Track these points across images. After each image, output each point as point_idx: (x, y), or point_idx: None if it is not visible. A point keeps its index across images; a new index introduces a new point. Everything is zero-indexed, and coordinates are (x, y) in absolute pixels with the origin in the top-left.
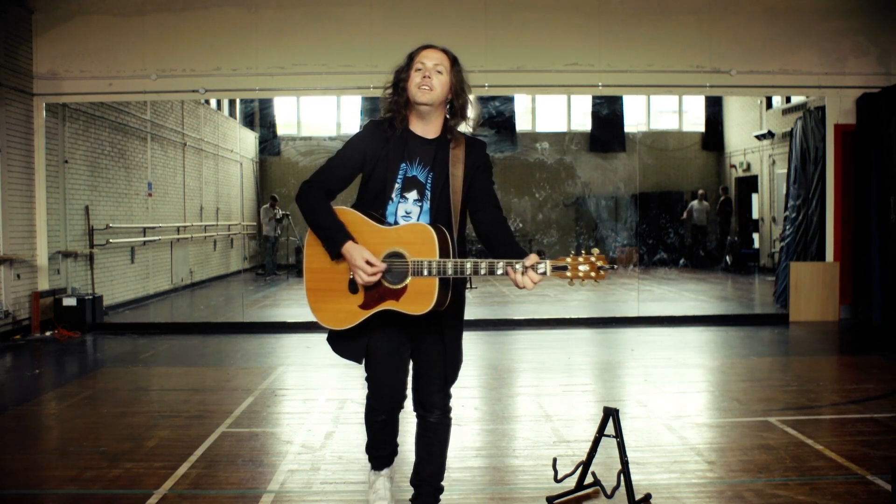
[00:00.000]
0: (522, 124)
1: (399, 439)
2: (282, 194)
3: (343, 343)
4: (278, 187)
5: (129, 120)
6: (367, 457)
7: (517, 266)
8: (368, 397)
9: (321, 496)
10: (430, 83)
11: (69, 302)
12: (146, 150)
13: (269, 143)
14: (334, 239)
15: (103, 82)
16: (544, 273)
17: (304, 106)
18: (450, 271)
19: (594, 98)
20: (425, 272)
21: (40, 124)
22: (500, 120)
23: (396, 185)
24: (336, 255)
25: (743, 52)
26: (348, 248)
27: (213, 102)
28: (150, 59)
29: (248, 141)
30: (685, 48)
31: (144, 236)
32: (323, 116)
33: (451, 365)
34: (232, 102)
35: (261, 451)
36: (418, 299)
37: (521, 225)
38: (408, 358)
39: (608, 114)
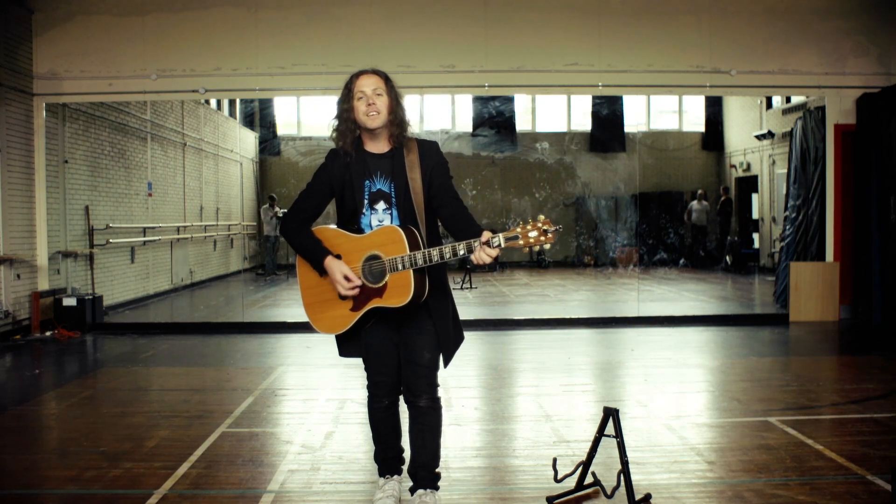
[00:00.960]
0: (522, 124)
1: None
2: (282, 194)
3: (346, 344)
4: (278, 187)
5: (129, 120)
6: (374, 465)
7: (474, 244)
8: (368, 387)
9: (321, 496)
10: (375, 108)
11: (69, 302)
12: (146, 150)
13: (269, 143)
14: (316, 258)
15: (103, 82)
16: (499, 245)
17: (304, 106)
18: (420, 261)
19: (594, 98)
20: (400, 267)
21: (40, 124)
22: (500, 120)
23: (365, 201)
24: (321, 271)
25: (743, 52)
26: (328, 263)
27: (213, 102)
28: (150, 59)
29: (248, 141)
30: (685, 48)
31: (144, 236)
32: (323, 116)
33: (447, 342)
34: (232, 102)
35: (261, 451)
36: (399, 292)
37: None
38: (395, 345)
39: (608, 114)
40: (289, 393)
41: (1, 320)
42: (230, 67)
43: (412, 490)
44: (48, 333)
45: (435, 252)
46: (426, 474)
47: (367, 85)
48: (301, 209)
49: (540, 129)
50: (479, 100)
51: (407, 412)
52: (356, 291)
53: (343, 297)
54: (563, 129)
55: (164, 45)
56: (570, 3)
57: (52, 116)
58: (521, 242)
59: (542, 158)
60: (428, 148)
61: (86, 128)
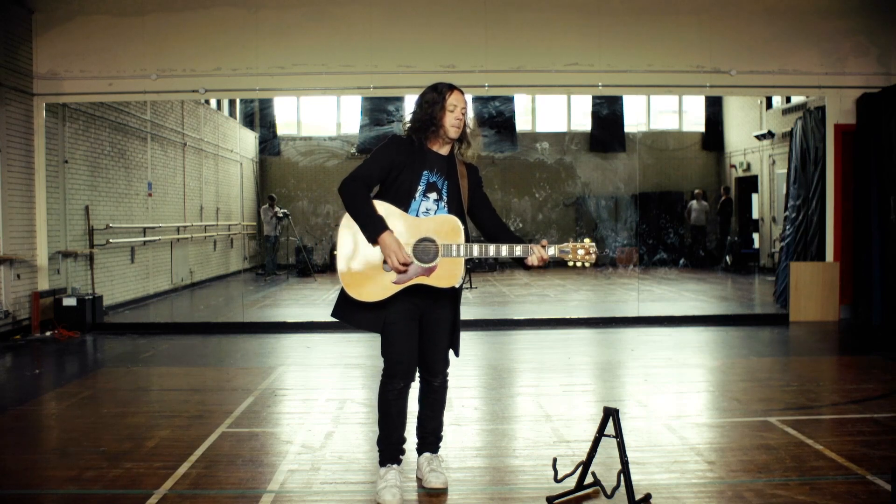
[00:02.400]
0: (522, 124)
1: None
2: (281, 194)
3: (361, 314)
4: (278, 187)
5: (129, 120)
6: (374, 466)
7: (532, 248)
8: (385, 369)
9: (321, 496)
10: (460, 124)
11: (69, 302)
12: (146, 150)
13: (269, 143)
14: (374, 227)
15: (103, 82)
16: (554, 254)
17: (304, 106)
18: (475, 252)
19: (594, 98)
20: (454, 253)
21: (40, 124)
22: (500, 120)
23: (420, 188)
24: (373, 241)
25: (743, 52)
26: (385, 237)
27: (213, 102)
28: (150, 59)
29: (248, 141)
30: (685, 48)
31: (144, 236)
32: (323, 116)
33: (457, 335)
34: (232, 102)
35: (261, 451)
36: (448, 275)
37: (521, 225)
38: (417, 329)
39: (608, 114)
40: (289, 393)
41: (1, 320)
42: (230, 67)
43: (419, 451)
44: (48, 333)
45: (492, 247)
46: (434, 440)
47: (460, 102)
48: (365, 175)
49: (540, 129)
50: (479, 100)
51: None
52: (405, 269)
53: (388, 270)
54: (563, 129)
55: (164, 45)
56: (570, 3)
57: (52, 116)
58: (569, 256)
59: (542, 158)
60: (473, 169)
61: (86, 128)
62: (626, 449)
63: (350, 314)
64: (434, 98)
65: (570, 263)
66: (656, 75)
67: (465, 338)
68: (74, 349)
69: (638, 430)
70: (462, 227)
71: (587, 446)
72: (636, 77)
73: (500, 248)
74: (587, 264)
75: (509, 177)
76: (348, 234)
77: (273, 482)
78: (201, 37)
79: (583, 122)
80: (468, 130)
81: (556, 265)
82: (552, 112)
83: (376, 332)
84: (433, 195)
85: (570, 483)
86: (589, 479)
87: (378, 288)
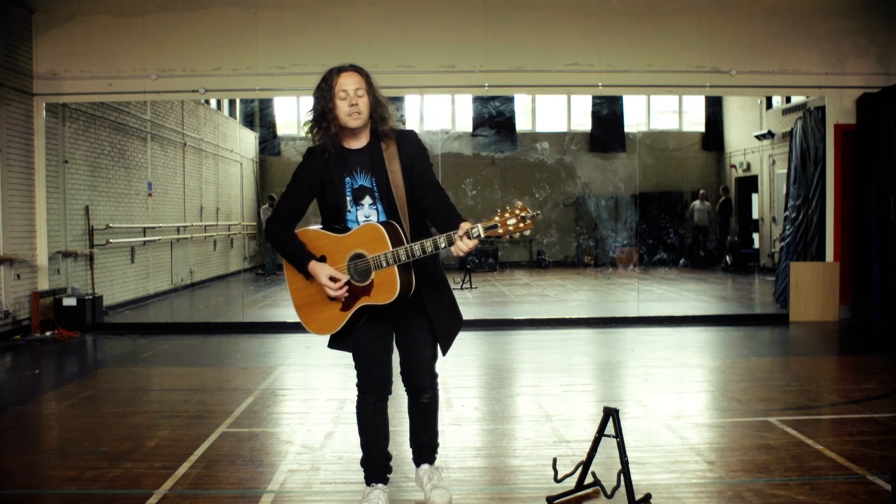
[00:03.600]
0: (522, 124)
1: (393, 441)
2: (281, 194)
3: (336, 339)
4: (278, 187)
5: (129, 120)
6: (362, 473)
7: (455, 236)
8: (357, 385)
9: (321, 496)
10: (357, 108)
11: (69, 302)
12: (146, 150)
13: (269, 143)
14: (300, 262)
15: (103, 82)
16: (479, 236)
17: (304, 106)
18: (402, 257)
19: (594, 98)
20: (384, 264)
21: (40, 124)
22: (500, 120)
23: (348, 198)
24: (307, 275)
25: (743, 52)
26: (312, 267)
27: (213, 102)
28: (150, 59)
29: (248, 141)
30: (685, 48)
31: (144, 236)
32: None
33: (444, 331)
34: (232, 102)
35: (261, 451)
36: (385, 289)
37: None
38: (390, 343)
39: (608, 114)
40: (289, 393)
41: (1, 320)
42: (230, 67)
43: (415, 462)
44: (48, 333)
45: (417, 247)
46: (428, 451)
47: (350, 84)
48: (283, 213)
49: (540, 129)
50: (479, 100)
51: (395, 409)
52: (344, 292)
53: (332, 299)
54: (563, 129)
55: (164, 45)
56: (570, 3)
57: (52, 116)
58: (500, 231)
59: (542, 158)
60: (406, 138)
61: (86, 128)
62: (626, 449)
63: (331, 339)
64: (322, 89)
65: (505, 237)
66: (656, 75)
67: (466, 338)
68: (74, 349)
69: (638, 430)
70: (386, 232)
71: (587, 446)
72: (636, 77)
73: (424, 246)
74: (526, 233)
75: (509, 177)
76: (292, 271)
77: (273, 482)
78: (201, 37)
79: (583, 122)
80: (378, 107)
81: (557, 265)
82: (552, 112)
83: (349, 351)
84: (366, 200)
85: (570, 483)
86: (589, 479)
87: (330, 320)
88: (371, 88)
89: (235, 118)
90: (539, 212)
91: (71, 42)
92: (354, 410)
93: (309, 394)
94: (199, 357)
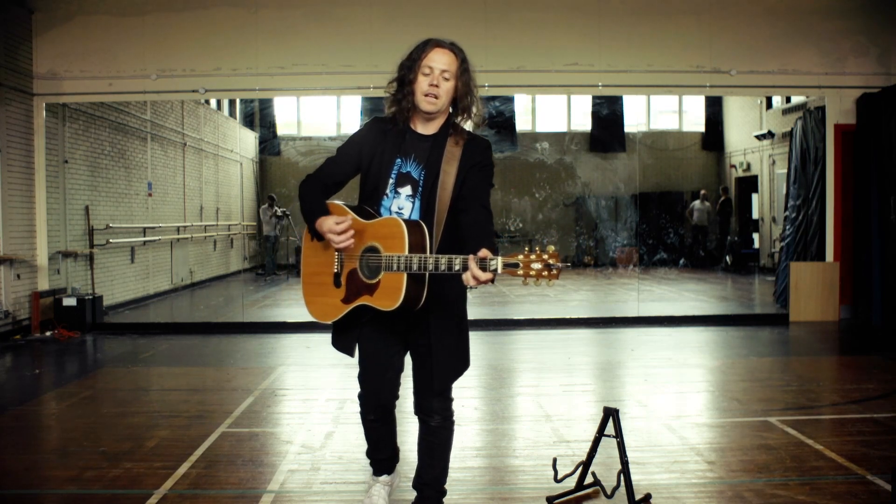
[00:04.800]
0: (522, 124)
1: (400, 440)
2: (282, 194)
3: (338, 335)
4: (278, 187)
5: (129, 120)
6: (368, 461)
7: (469, 262)
8: (359, 397)
9: (321, 496)
10: (436, 91)
11: (69, 302)
12: (146, 150)
13: (269, 143)
14: (313, 216)
15: (103, 82)
16: (495, 270)
17: (304, 106)
18: (414, 267)
19: (594, 98)
20: (394, 267)
21: (40, 124)
22: (500, 120)
23: (391, 181)
24: (314, 232)
25: (743, 52)
26: (320, 221)
27: (213, 102)
28: (150, 59)
29: (248, 141)
30: (685, 48)
31: (144, 236)
32: (323, 116)
33: (443, 367)
34: (232, 102)
35: (261, 451)
36: (389, 294)
37: (521, 225)
38: (398, 359)
39: (608, 114)
40: (289, 393)
41: (1, 320)
42: (230, 67)
43: None
44: (48, 333)
45: (431, 260)
46: (432, 493)
47: (438, 62)
48: (324, 174)
49: (540, 129)
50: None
51: (408, 414)
52: (348, 237)
53: (338, 285)
54: (563, 129)
55: (164, 45)
56: (570, 3)
57: (52, 116)
58: (520, 272)
59: (542, 158)
60: (476, 145)
61: (86, 128)
62: (626, 449)
63: (333, 331)
64: (410, 58)
65: (524, 282)
66: (656, 75)
67: (474, 337)
68: (74, 349)
69: (638, 430)
70: (406, 233)
71: (587, 446)
72: (636, 77)
73: (438, 262)
74: (547, 284)
75: (509, 177)
76: (308, 245)
77: (273, 482)
78: (201, 37)
79: (583, 122)
80: (465, 98)
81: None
82: (552, 112)
83: (350, 356)
84: (406, 189)
85: (570, 483)
86: (589, 479)
87: (329, 307)
88: (463, 73)
89: (235, 118)
90: (569, 262)
91: (71, 42)
92: (355, 411)
93: (309, 394)
94: (199, 357)
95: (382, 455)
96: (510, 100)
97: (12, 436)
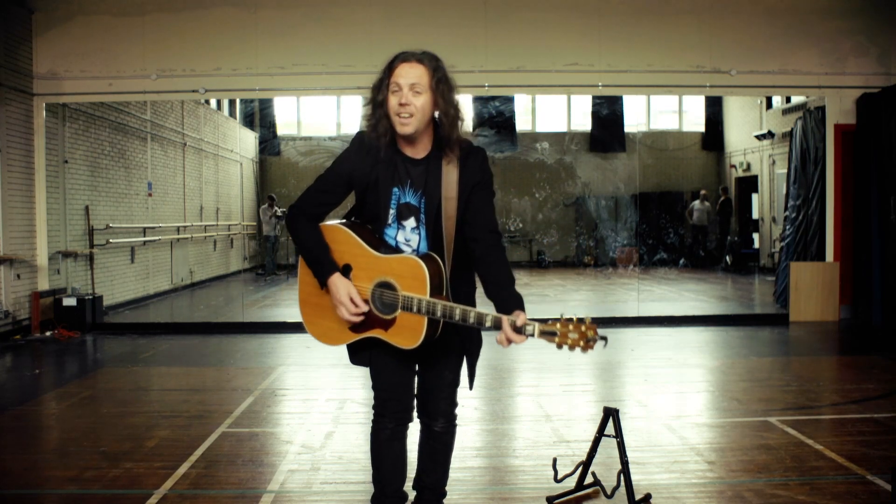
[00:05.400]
0: (522, 124)
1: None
2: (281, 194)
3: (353, 353)
4: (278, 187)
5: (129, 120)
6: (362, 473)
7: (503, 323)
8: (374, 407)
9: (321, 496)
10: (407, 110)
11: (69, 302)
12: (146, 150)
13: (269, 143)
14: (321, 269)
15: (103, 82)
16: (532, 335)
17: (304, 106)
18: (438, 314)
19: (594, 98)
20: (415, 310)
21: (40, 124)
22: (500, 120)
23: (391, 212)
24: (323, 284)
25: (743, 52)
26: (333, 281)
27: (213, 102)
28: (150, 59)
29: (248, 141)
30: (685, 48)
31: (144, 236)
32: (323, 116)
33: (472, 362)
34: (232, 102)
35: (261, 451)
36: (406, 334)
37: (521, 225)
38: (413, 360)
39: (608, 114)
40: (289, 393)
41: (1, 320)
42: (230, 67)
43: None
44: (48, 333)
45: (458, 311)
46: (432, 496)
47: (406, 76)
48: (310, 203)
49: (540, 129)
50: (479, 100)
51: (418, 435)
52: (358, 319)
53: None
54: (563, 129)
55: (164, 45)
56: (570, 3)
57: (52, 116)
58: (556, 340)
59: (542, 158)
60: (473, 161)
61: (86, 128)
62: (626, 449)
63: (349, 349)
64: (379, 79)
65: (558, 348)
66: (656, 75)
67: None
68: (74, 349)
69: (638, 430)
70: (428, 274)
71: (587, 446)
72: (636, 77)
73: (466, 315)
74: (581, 352)
75: (509, 177)
76: (305, 268)
77: (273, 482)
78: (201, 37)
79: (583, 122)
80: (446, 109)
81: (557, 265)
82: (552, 112)
83: (367, 366)
84: (410, 222)
85: (570, 483)
86: (589, 479)
87: (334, 332)
88: (440, 86)
89: (235, 118)
90: (607, 337)
91: (71, 42)
92: (355, 411)
93: (309, 394)
94: (199, 357)
95: (392, 491)
96: (510, 100)
97: (12, 436)
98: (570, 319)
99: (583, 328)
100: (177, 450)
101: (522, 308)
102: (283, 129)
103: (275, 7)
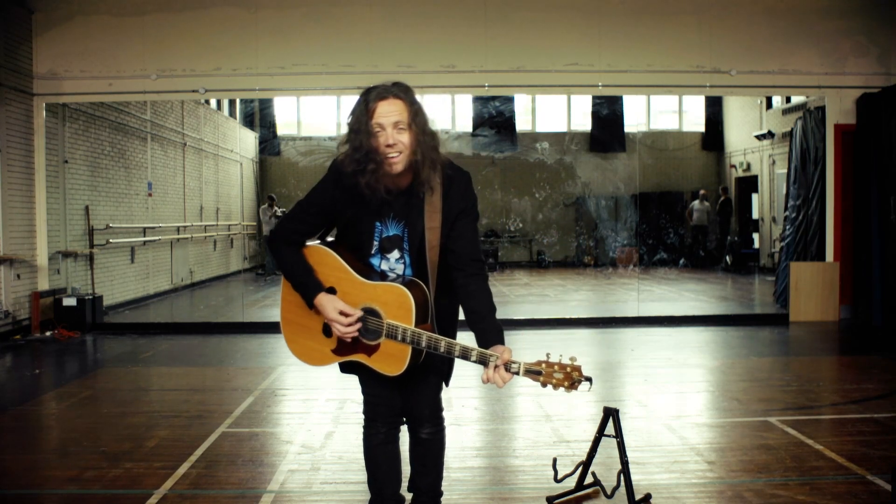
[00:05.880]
0: (522, 124)
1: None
2: (281, 194)
3: (340, 366)
4: (278, 187)
5: (129, 120)
6: (362, 473)
7: (490, 359)
8: (364, 412)
9: (321, 496)
10: (396, 149)
11: (69, 302)
12: (146, 150)
13: (269, 143)
14: (306, 293)
15: (103, 82)
16: (517, 373)
17: (304, 106)
18: (423, 345)
19: (594, 98)
20: (399, 338)
21: (40, 124)
22: (500, 120)
23: (374, 244)
24: (310, 305)
25: (743, 52)
26: (320, 300)
27: (213, 102)
28: (150, 59)
29: (248, 141)
30: (685, 48)
31: (144, 236)
32: (323, 116)
33: (450, 362)
34: (232, 102)
35: (261, 451)
36: (390, 361)
37: (521, 225)
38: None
39: (608, 114)
40: (289, 393)
41: (1, 320)
42: (230, 67)
43: None
44: (48, 333)
45: (443, 344)
46: (428, 499)
47: (388, 115)
48: (292, 231)
49: (540, 129)
50: (479, 100)
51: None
52: (354, 329)
53: (329, 334)
54: (563, 129)
55: (164, 45)
56: (570, 3)
57: (52, 116)
58: (541, 380)
59: (542, 158)
60: (457, 188)
61: (86, 128)
62: (626, 449)
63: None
64: (357, 116)
65: (542, 386)
66: (656, 75)
67: (466, 338)
68: (74, 349)
69: (638, 430)
70: (413, 304)
71: (587, 446)
72: (636, 77)
73: (451, 348)
74: (565, 391)
75: (509, 177)
76: (288, 286)
77: (273, 482)
78: (201, 37)
79: (583, 122)
80: (421, 148)
81: (557, 265)
82: (552, 112)
83: (353, 374)
84: (394, 254)
85: (570, 483)
86: (589, 479)
87: (316, 353)
88: (417, 118)
89: (235, 118)
90: (592, 379)
91: (71, 42)
92: (355, 411)
93: (309, 394)
94: (199, 357)
95: (389, 495)
96: (510, 100)
97: (12, 436)
98: (556, 361)
99: (568, 369)
100: (177, 450)
101: (502, 341)
102: (283, 129)
103: (275, 7)
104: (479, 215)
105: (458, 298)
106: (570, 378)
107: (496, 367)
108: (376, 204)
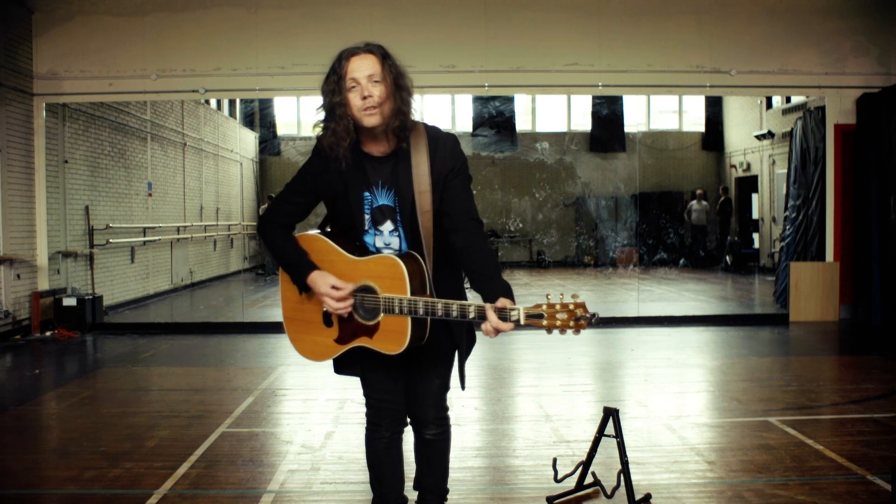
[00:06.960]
0: (522, 124)
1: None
2: (281, 190)
3: (339, 365)
4: (278, 187)
5: (129, 120)
6: (362, 473)
7: (487, 311)
8: (367, 415)
9: (321, 496)
10: (372, 101)
11: (69, 302)
12: (146, 150)
13: (269, 143)
14: (299, 273)
15: (103, 82)
16: (517, 321)
17: (304, 106)
18: (420, 311)
19: (594, 98)
20: (396, 310)
21: (40, 124)
22: (500, 120)
23: (366, 217)
24: (303, 288)
25: (743, 52)
26: (313, 277)
27: (213, 102)
28: (150, 59)
29: (248, 141)
30: (685, 48)
31: (144, 236)
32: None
33: (462, 362)
34: (232, 102)
35: (261, 451)
36: (391, 338)
37: (521, 225)
38: (404, 369)
39: (608, 114)
40: (289, 393)
41: (1, 320)
42: (230, 67)
43: None
44: (48, 333)
45: (440, 305)
46: (433, 498)
47: (361, 70)
48: (279, 213)
49: (540, 129)
50: (479, 100)
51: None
52: (348, 304)
53: (329, 324)
54: (563, 129)
55: (164, 45)
56: (570, 3)
57: (52, 116)
58: (544, 323)
59: (542, 158)
60: (442, 147)
61: (86, 128)
62: (626, 449)
63: (335, 364)
64: (330, 81)
65: (548, 332)
66: (656, 75)
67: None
68: (74, 349)
69: (638, 430)
70: (407, 273)
71: (587, 446)
72: (636, 77)
73: (449, 309)
74: (574, 334)
75: (509, 177)
76: (287, 278)
77: (273, 482)
78: (201, 37)
79: (583, 122)
80: (400, 95)
81: (557, 265)
82: (552, 112)
83: (358, 376)
84: (387, 225)
85: (570, 483)
86: (589, 479)
87: (320, 346)
88: (390, 69)
89: (235, 118)
90: (597, 314)
91: (71, 42)
92: (355, 411)
93: (309, 394)
94: (199, 357)
95: (394, 497)
96: (510, 100)
97: (12, 436)
98: (557, 299)
99: (571, 307)
100: (177, 450)
101: (510, 296)
102: (283, 129)
103: (275, 7)
104: (471, 177)
105: (460, 263)
106: (574, 315)
107: (491, 313)
108: (361, 174)
